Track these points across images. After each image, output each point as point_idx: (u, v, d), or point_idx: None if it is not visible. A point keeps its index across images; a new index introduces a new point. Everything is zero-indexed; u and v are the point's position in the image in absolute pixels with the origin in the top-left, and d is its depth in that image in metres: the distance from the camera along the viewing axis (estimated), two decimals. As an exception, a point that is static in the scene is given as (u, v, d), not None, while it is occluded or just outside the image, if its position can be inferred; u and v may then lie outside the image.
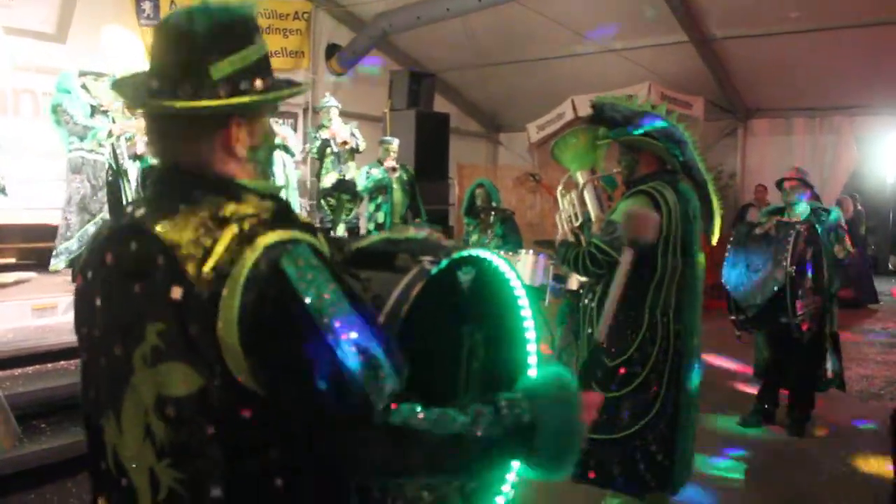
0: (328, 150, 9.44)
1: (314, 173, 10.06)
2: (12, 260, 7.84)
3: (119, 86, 1.48)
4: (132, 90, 1.45)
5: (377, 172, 9.07)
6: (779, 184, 5.84)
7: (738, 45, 10.93)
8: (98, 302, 1.40)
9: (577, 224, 3.95)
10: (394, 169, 9.04)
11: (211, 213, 1.31)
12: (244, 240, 1.27)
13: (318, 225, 9.29)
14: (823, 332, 5.63)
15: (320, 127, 9.64)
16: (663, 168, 3.70)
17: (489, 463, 1.41)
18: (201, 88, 1.35)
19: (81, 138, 6.54)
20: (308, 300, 1.25)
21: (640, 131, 3.64)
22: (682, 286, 3.58)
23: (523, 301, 2.00)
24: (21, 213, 7.66)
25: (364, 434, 1.27)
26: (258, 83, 1.41)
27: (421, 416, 1.30)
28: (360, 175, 9.27)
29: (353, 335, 1.28)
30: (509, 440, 1.40)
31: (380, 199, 9.15)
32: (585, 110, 11.65)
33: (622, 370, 3.53)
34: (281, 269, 1.25)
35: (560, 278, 5.75)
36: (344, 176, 9.45)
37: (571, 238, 3.94)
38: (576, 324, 5.10)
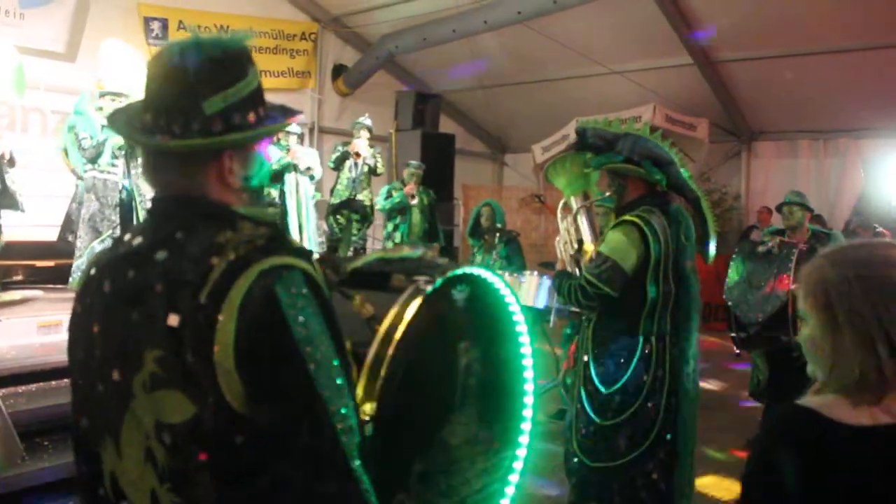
0: (346, 162, 9.48)
1: (326, 190, 10.10)
2: (20, 277, 7.86)
3: (113, 119, 1.51)
4: (125, 124, 1.47)
5: (396, 195, 9.12)
6: (779, 208, 5.86)
7: (743, 68, 10.98)
8: (96, 329, 1.42)
9: (571, 252, 3.94)
10: (413, 196, 9.08)
11: (207, 240, 1.33)
12: (239, 266, 1.29)
13: (321, 241, 9.32)
14: None
15: (346, 143, 9.71)
16: (652, 191, 3.65)
17: None
18: (194, 124, 1.37)
19: (93, 161, 6.62)
20: (295, 328, 1.28)
21: (620, 158, 3.59)
22: (677, 310, 3.57)
23: (519, 317, 2.01)
24: (28, 231, 7.70)
25: (323, 468, 1.29)
26: (251, 116, 1.42)
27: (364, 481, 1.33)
28: (381, 193, 9.30)
29: (332, 371, 1.31)
30: None
31: (398, 220, 9.19)
32: (590, 132, 11.74)
33: (617, 398, 3.53)
34: (274, 295, 1.28)
35: (564, 299, 5.74)
36: (355, 196, 9.48)
37: (570, 265, 3.93)
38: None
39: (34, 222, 7.55)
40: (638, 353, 3.51)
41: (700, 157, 11.20)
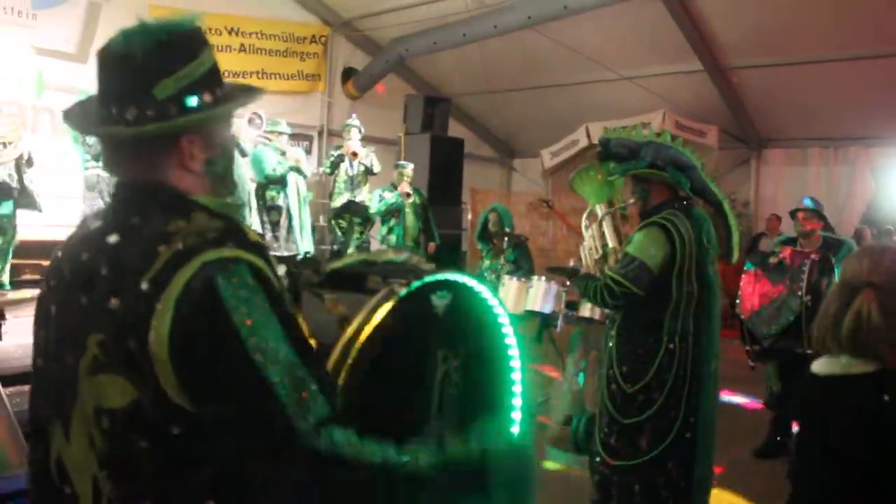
0: (342, 165, 9.50)
1: (327, 194, 10.13)
2: (30, 276, 7.89)
3: (68, 115, 1.49)
4: (81, 118, 1.46)
5: (390, 196, 9.09)
6: (793, 214, 5.82)
7: (753, 74, 10.94)
8: (53, 311, 1.43)
9: (597, 258, 4.02)
10: (408, 195, 9.06)
11: (158, 228, 1.32)
12: (184, 256, 1.28)
13: (329, 246, 9.33)
14: None
15: (339, 147, 9.75)
16: (675, 195, 3.77)
17: (423, 498, 1.40)
18: (148, 111, 1.35)
19: (97, 157, 6.65)
20: (238, 320, 1.26)
21: (644, 164, 3.71)
22: (699, 311, 3.65)
23: (508, 329, 1.95)
24: (39, 230, 7.73)
25: (285, 457, 1.27)
26: (207, 97, 1.40)
27: (352, 444, 1.30)
28: (374, 197, 9.30)
29: (282, 358, 1.28)
30: (452, 483, 1.40)
31: (392, 223, 9.17)
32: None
33: (640, 396, 3.61)
34: (215, 287, 1.26)
35: (572, 305, 5.72)
36: (355, 198, 9.48)
37: (596, 271, 4.03)
38: (600, 352, 5.09)
39: (45, 222, 7.59)
40: (661, 351, 3.59)
41: (709, 163, 11.15)
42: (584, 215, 4.21)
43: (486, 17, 10.50)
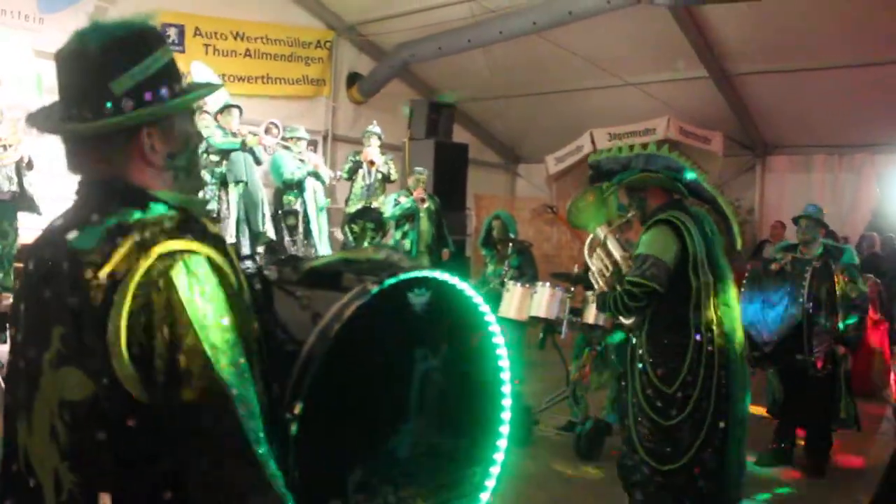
0: (359, 171, 9.53)
1: (335, 199, 10.15)
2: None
3: (31, 118, 1.52)
4: (44, 119, 1.48)
5: (405, 201, 9.11)
6: (796, 220, 5.82)
7: (758, 81, 10.93)
8: (22, 307, 1.45)
9: (608, 276, 4.06)
10: (423, 200, 9.08)
11: (116, 222, 1.35)
12: (141, 248, 1.30)
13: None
14: (838, 370, 5.57)
15: (358, 153, 9.78)
16: (671, 198, 3.90)
17: None
18: (106, 107, 1.37)
19: None
20: (193, 315, 1.28)
21: (637, 171, 3.86)
22: (717, 301, 3.73)
23: (494, 328, 1.93)
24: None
25: (225, 454, 1.30)
26: (164, 91, 1.42)
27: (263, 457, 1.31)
28: (388, 202, 9.31)
29: (232, 355, 1.31)
30: None
31: (406, 227, 9.20)
32: (604, 143, 11.71)
33: (680, 395, 3.66)
34: (171, 281, 1.28)
35: (576, 311, 5.71)
36: (370, 204, 9.51)
37: (611, 288, 4.08)
38: (620, 360, 5.08)
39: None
40: (691, 345, 3.66)
41: (714, 170, 11.14)
42: (587, 244, 4.23)
43: (491, 22, 10.50)
